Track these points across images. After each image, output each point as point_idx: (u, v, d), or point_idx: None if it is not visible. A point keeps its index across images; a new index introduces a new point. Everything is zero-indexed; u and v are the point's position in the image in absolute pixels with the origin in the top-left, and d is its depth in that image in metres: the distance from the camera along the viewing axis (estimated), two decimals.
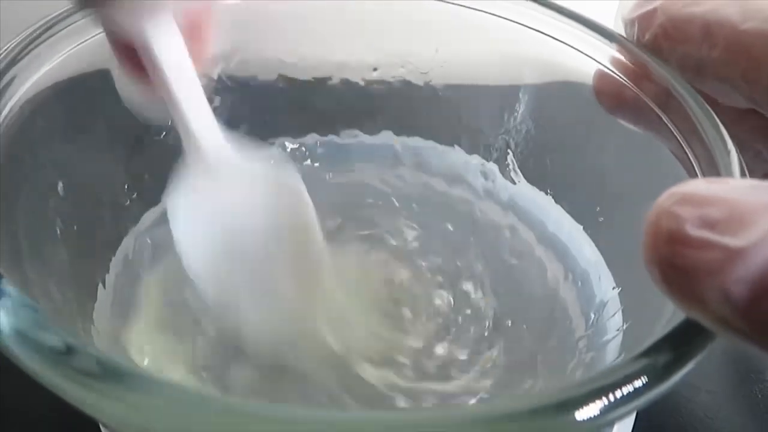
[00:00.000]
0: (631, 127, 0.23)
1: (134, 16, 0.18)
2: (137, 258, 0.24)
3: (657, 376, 0.12)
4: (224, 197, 0.21)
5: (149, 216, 0.25)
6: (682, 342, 0.13)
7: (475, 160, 0.28)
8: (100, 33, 0.21)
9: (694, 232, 0.12)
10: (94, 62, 0.21)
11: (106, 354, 0.12)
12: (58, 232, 0.21)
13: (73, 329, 0.18)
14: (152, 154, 0.25)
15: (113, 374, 0.12)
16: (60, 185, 0.21)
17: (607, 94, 0.23)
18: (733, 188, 0.13)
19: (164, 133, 0.25)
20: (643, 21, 0.21)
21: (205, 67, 0.21)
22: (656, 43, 0.21)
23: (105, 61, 0.21)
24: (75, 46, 0.21)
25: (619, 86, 0.23)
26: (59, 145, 0.21)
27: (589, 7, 0.25)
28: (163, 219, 0.25)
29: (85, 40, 0.21)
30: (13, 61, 0.18)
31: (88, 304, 0.21)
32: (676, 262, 0.12)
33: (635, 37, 0.22)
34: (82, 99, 0.22)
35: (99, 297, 0.22)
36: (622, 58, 0.23)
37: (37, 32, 0.19)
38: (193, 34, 0.20)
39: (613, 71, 0.23)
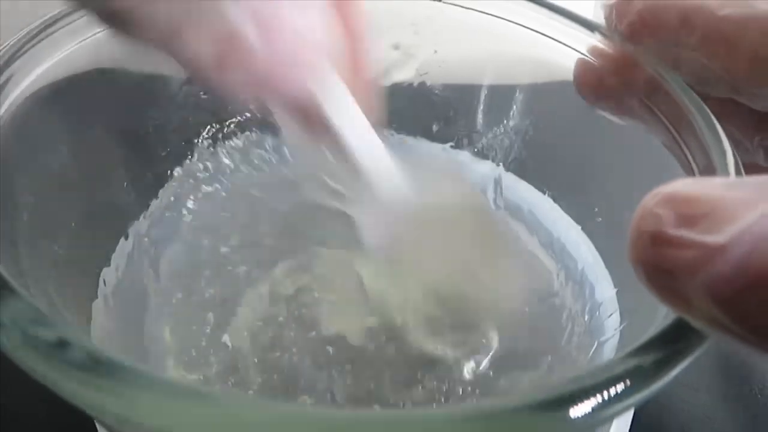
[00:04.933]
0: (614, 119, 0.23)
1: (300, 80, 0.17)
2: (138, 256, 0.24)
3: (647, 375, 0.12)
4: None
5: (149, 214, 0.25)
6: (673, 341, 0.13)
7: (473, 159, 0.28)
8: (97, 33, 0.21)
9: (674, 231, 0.12)
10: (92, 61, 0.21)
11: (99, 348, 0.12)
12: (57, 230, 0.21)
13: (67, 323, 0.18)
14: (152, 152, 0.25)
15: (106, 368, 0.12)
16: (59, 184, 0.21)
17: (588, 84, 0.23)
18: (712, 186, 0.13)
19: (164, 130, 0.25)
20: (620, 7, 0.21)
21: (367, 98, 0.20)
22: (634, 30, 0.21)
23: (102, 61, 0.21)
24: (72, 46, 0.21)
25: (601, 76, 0.23)
26: (57, 144, 0.21)
27: (585, 6, 0.25)
28: (163, 216, 0.25)
29: (83, 40, 0.21)
30: (10, 61, 0.18)
31: (86, 301, 0.21)
32: (659, 262, 0.12)
33: (613, 24, 0.22)
34: (81, 98, 0.22)
35: (99, 294, 0.22)
36: (603, 47, 0.23)
37: (34, 32, 0.19)
38: (347, 65, 0.19)
39: (596, 59, 0.23)
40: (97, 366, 0.12)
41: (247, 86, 0.16)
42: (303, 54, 0.17)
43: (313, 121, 0.19)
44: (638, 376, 0.12)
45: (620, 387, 0.12)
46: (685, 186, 0.13)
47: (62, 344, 0.12)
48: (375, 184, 0.20)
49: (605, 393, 0.12)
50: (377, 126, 0.20)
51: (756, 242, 0.11)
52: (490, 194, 0.28)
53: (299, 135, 0.20)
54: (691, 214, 0.12)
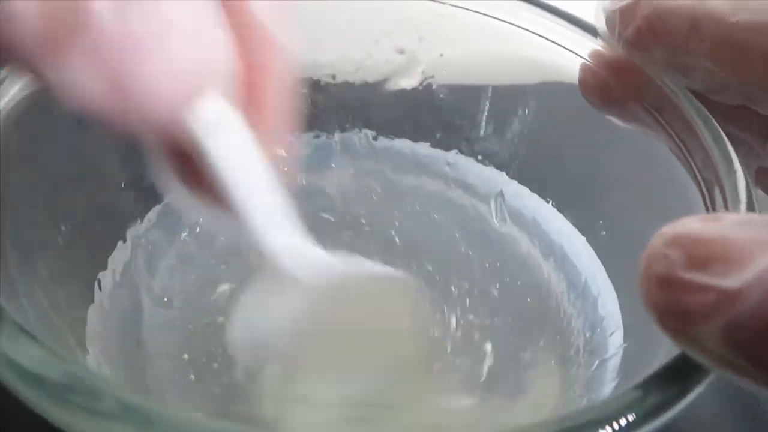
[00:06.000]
0: (621, 124, 0.23)
1: (164, 106, 0.13)
2: (136, 260, 0.24)
3: (650, 412, 0.12)
4: (311, 305, 0.18)
5: (148, 217, 0.25)
6: (678, 377, 0.13)
7: (477, 166, 0.28)
8: None
9: (686, 274, 0.12)
10: None
11: (113, 386, 0.12)
12: (53, 233, 0.20)
13: (71, 357, 0.17)
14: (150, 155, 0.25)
15: (125, 410, 0.12)
16: (56, 185, 0.21)
17: (593, 89, 0.23)
18: (723, 226, 0.12)
19: None
20: (625, 13, 0.20)
21: (273, 140, 0.16)
22: (639, 36, 0.20)
23: None
24: None
25: (606, 81, 0.22)
26: (55, 145, 0.21)
27: (586, 7, 0.25)
28: (161, 220, 0.25)
29: None
30: None
31: (81, 305, 0.21)
32: (671, 306, 0.12)
33: (616, 31, 0.21)
34: None
35: (95, 298, 0.22)
36: (608, 53, 0.22)
37: None
38: (251, 99, 0.15)
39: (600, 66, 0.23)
40: (114, 408, 0.12)
41: (87, 83, 0.12)
42: (180, 56, 0.13)
43: (188, 163, 0.15)
44: (647, 411, 0.12)
45: (629, 419, 0.12)
46: (694, 225, 0.12)
47: (72, 385, 0.12)
48: (274, 257, 0.17)
49: (615, 425, 0.12)
50: (286, 177, 0.17)
51: None
52: (494, 202, 0.28)
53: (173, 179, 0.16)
54: (702, 255, 0.12)
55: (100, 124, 0.13)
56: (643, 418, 0.12)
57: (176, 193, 0.17)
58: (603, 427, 0.12)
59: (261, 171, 0.16)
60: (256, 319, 0.19)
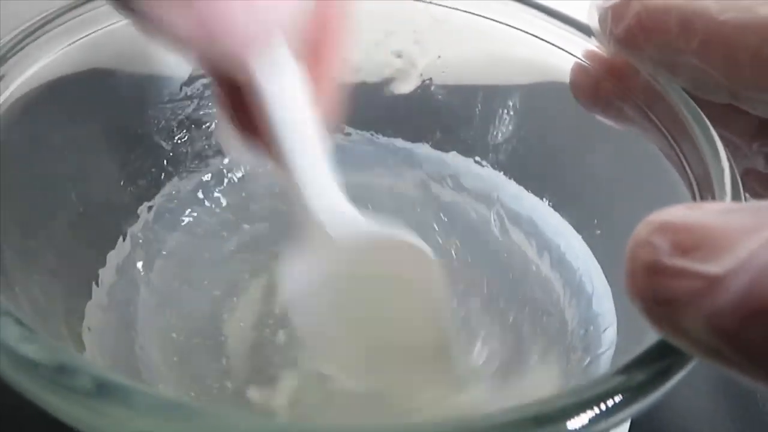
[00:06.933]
0: (612, 124, 0.23)
1: (239, 46, 0.15)
2: (134, 257, 0.24)
3: (641, 389, 0.12)
4: (340, 263, 0.19)
5: (147, 215, 0.25)
6: (663, 358, 0.13)
7: (474, 166, 0.28)
8: (92, 32, 0.21)
9: (670, 261, 0.12)
10: (86, 61, 0.21)
11: (101, 370, 0.12)
12: (50, 231, 0.21)
13: (62, 344, 0.18)
14: (149, 153, 0.25)
15: (109, 391, 0.12)
16: (53, 184, 0.21)
17: (584, 89, 0.23)
18: (707, 213, 0.12)
19: (160, 131, 0.25)
20: (617, 11, 0.21)
21: (328, 101, 0.18)
22: (630, 34, 0.20)
23: (97, 60, 0.20)
24: (67, 45, 0.21)
25: (597, 80, 0.23)
26: (51, 144, 0.21)
27: (578, 6, 0.25)
28: (160, 218, 0.25)
29: (78, 39, 0.21)
30: (3, 59, 0.18)
31: (79, 302, 0.21)
32: (656, 293, 0.12)
33: (608, 29, 0.21)
34: (74, 98, 0.21)
35: (93, 295, 0.22)
36: (600, 51, 0.23)
37: (28, 31, 0.19)
38: (313, 57, 0.17)
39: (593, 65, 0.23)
40: (100, 390, 0.12)
41: (176, 18, 0.13)
42: (254, 14, 0.14)
43: (243, 105, 0.16)
44: (632, 391, 0.12)
45: (615, 400, 0.12)
46: (679, 213, 0.12)
47: (62, 369, 0.12)
48: (314, 207, 0.18)
49: (602, 406, 0.12)
50: (330, 131, 0.18)
51: (756, 272, 0.11)
52: (491, 202, 0.28)
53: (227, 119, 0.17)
54: (686, 242, 0.12)
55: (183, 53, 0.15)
56: (628, 400, 0.12)
57: (227, 135, 0.18)
58: (590, 408, 0.12)
59: (310, 122, 0.17)
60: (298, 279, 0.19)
